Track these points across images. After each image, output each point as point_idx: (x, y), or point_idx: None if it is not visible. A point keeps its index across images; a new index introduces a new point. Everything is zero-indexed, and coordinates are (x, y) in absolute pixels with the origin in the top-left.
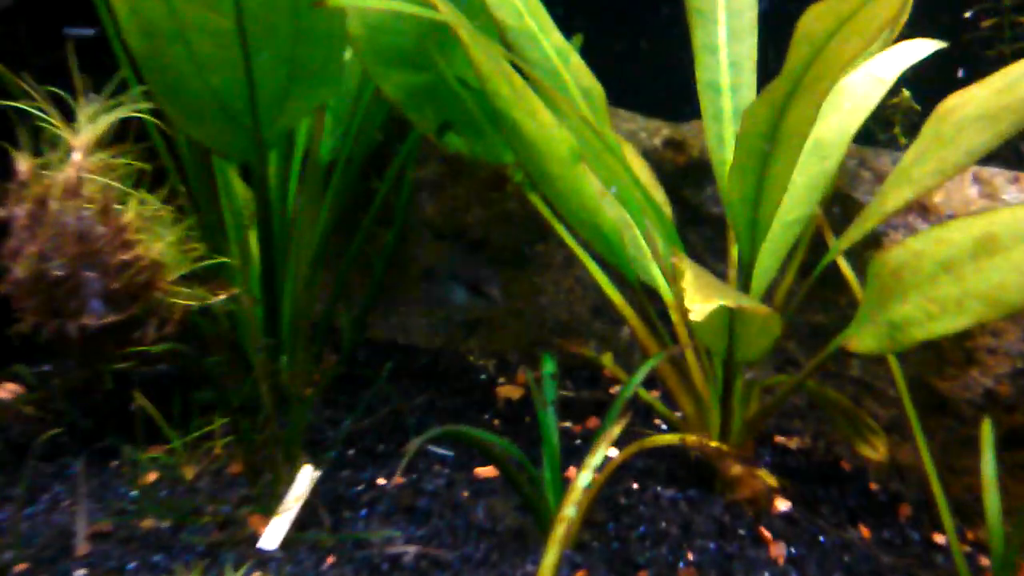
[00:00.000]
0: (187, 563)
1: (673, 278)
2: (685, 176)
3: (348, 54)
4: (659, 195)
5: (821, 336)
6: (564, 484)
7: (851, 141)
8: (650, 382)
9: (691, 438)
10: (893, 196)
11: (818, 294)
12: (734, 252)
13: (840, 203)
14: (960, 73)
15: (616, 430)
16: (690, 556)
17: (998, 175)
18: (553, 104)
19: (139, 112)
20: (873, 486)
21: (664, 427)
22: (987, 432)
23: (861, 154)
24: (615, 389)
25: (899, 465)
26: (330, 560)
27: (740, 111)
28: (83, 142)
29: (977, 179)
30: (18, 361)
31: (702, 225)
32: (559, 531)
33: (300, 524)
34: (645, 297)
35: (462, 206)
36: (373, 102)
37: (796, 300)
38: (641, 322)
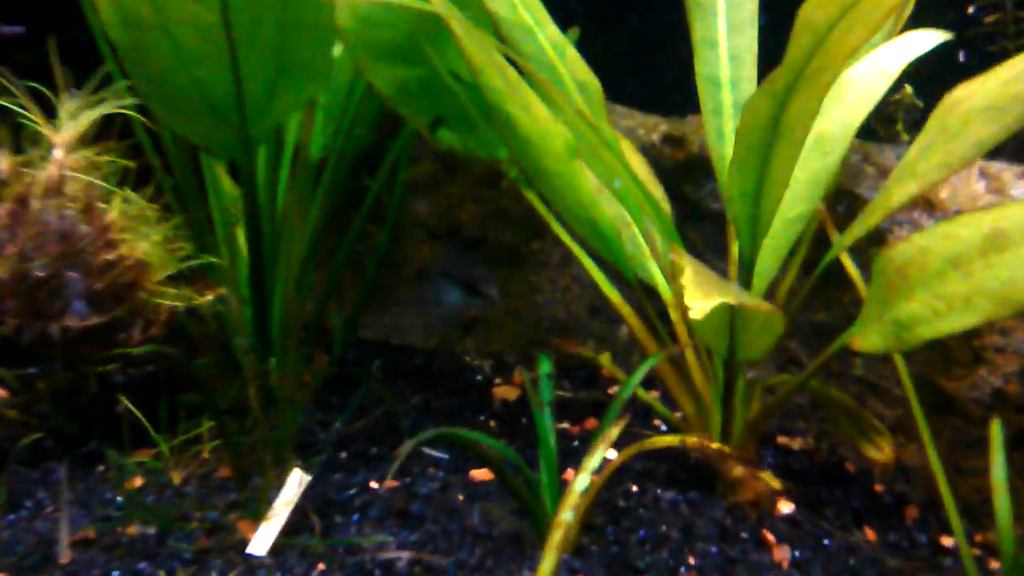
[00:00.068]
0: (173, 570)
1: (672, 276)
2: (684, 172)
3: (339, 49)
4: (657, 191)
5: (824, 335)
6: (562, 487)
7: (854, 135)
8: (649, 382)
9: (692, 439)
10: (898, 191)
11: (821, 292)
12: (735, 249)
13: (843, 199)
14: (963, 65)
15: (614, 431)
16: (691, 560)
17: (1006, 170)
18: (548, 98)
19: (123, 108)
20: (878, 487)
21: (664, 428)
22: (996, 432)
23: (864, 149)
24: (613, 389)
25: (904, 466)
26: (321, 567)
27: (740, 105)
28: (65, 139)
29: (984, 174)
30: (0, 364)
31: (702, 222)
32: (556, 536)
33: (290, 529)
34: (644, 296)
35: (456, 203)
36: (365, 98)
37: (799, 298)
38: (640, 321)
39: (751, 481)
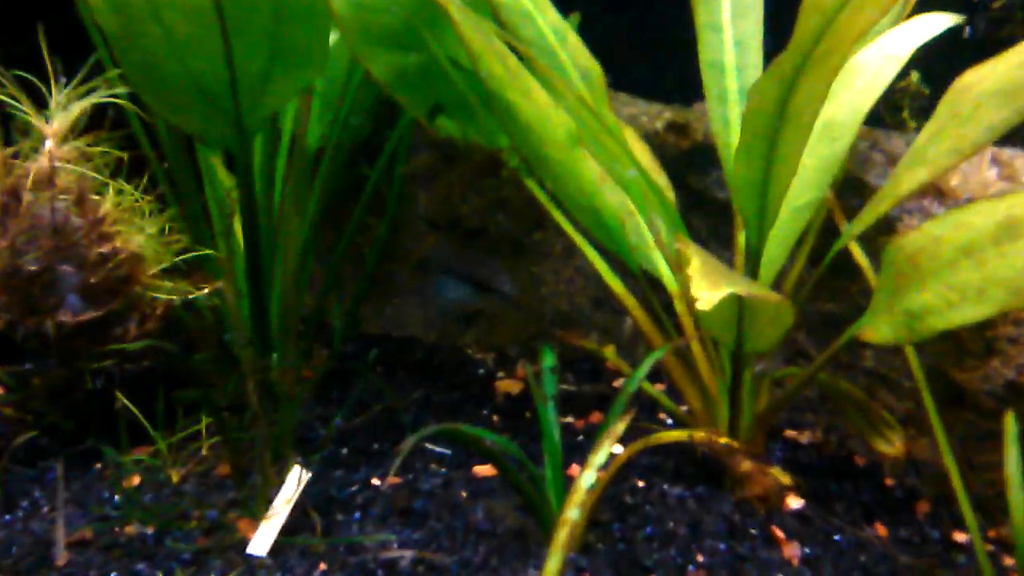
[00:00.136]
0: (172, 571)
1: (678, 266)
2: (689, 161)
3: (335, 36)
4: (661, 179)
5: (832, 326)
6: (566, 482)
7: (863, 121)
8: (654, 375)
9: (699, 434)
10: (908, 178)
11: (828, 282)
12: (741, 239)
13: (851, 187)
14: (970, 52)
15: (620, 427)
16: (700, 558)
17: (1018, 156)
18: (550, 85)
19: (115, 97)
20: (888, 482)
21: (670, 422)
22: (1010, 426)
23: (872, 136)
24: (618, 382)
25: (915, 460)
26: (322, 566)
27: (746, 91)
28: (56, 129)
29: (996, 161)
30: None
31: (707, 211)
32: (562, 535)
33: (290, 528)
34: (648, 287)
35: (456, 194)
36: (362, 86)
37: (807, 288)
38: (644, 313)
39: (759, 476)
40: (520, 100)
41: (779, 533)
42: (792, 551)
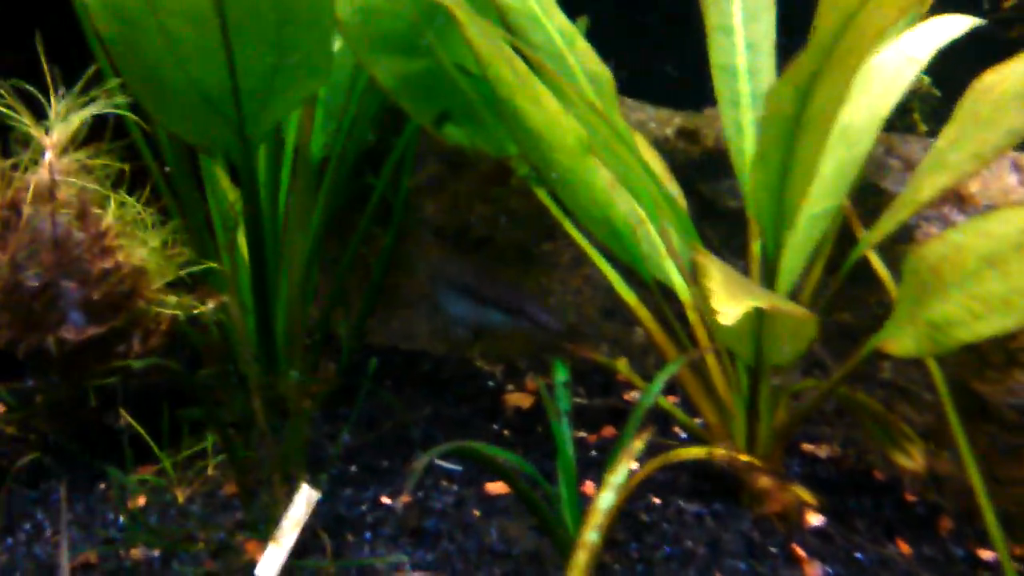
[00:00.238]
0: None
1: (692, 276)
2: (700, 168)
3: (338, 43)
4: (673, 187)
5: (849, 337)
6: (581, 500)
7: (882, 126)
8: (667, 387)
9: (719, 451)
10: (928, 183)
11: (845, 291)
12: (755, 247)
13: (867, 193)
14: (981, 53)
15: (638, 444)
16: None
17: None
18: (559, 91)
19: (116, 107)
20: (909, 497)
21: (684, 435)
22: None
23: (888, 140)
24: (630, 395)
25: (936, 475)
26: None
27: (759, 96)
28: (56, 141)
29: (1016, 166)
30: None
31: (718, 219)
32: (581, 559)
33: (300, 550)
34: (661, 297)
35: (463, 203)
36: (367, 93)
37: (825, 299)
38: (657, 324)
39: (778, 492)
40: (529, 106)
41: (800, 552)
42: (814, 571)
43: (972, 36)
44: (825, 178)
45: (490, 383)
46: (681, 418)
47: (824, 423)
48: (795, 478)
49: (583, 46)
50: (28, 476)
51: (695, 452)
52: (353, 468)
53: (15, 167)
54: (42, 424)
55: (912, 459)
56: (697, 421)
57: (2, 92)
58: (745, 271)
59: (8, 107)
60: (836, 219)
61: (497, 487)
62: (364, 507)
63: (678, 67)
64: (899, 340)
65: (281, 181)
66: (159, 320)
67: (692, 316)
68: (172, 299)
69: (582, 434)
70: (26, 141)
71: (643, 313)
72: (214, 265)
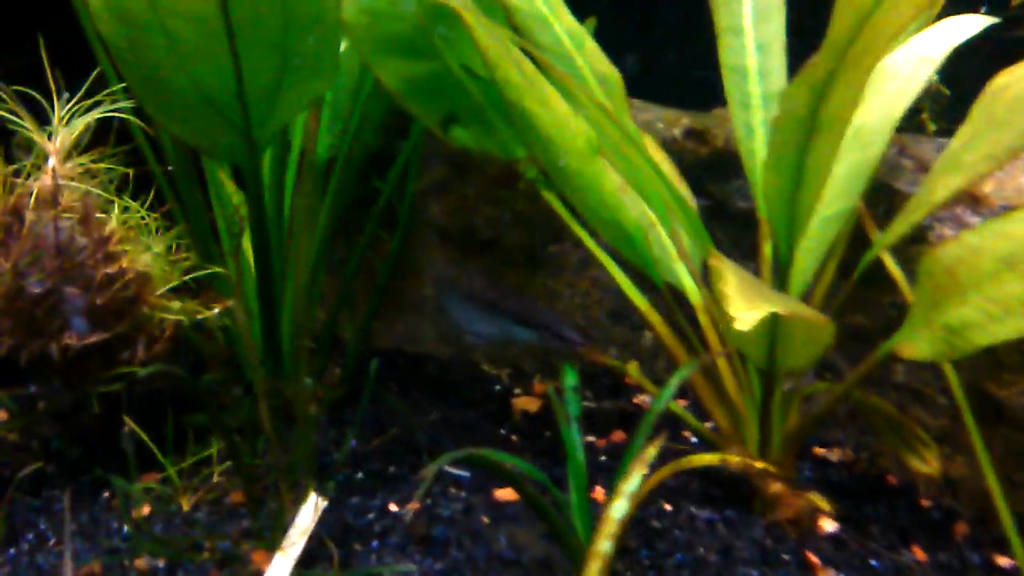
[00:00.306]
0: None
1: (703, 279)
2: (708, 169)
3: (344, 45)
4: (683, 189)
5: (862, 340)
6: (591, 506)
7: (895, 127)
8: (678, 390)
9: (733, 458)
10: (942, 184)
11: (858, 293)
12: (767, 250)
13: (880, 194)
14: (990, 52)
15: (651, 451)
16: None
17: None
18: (568, 92)
19: (119, 111)
20: (924, 502)
21: (694, 440)
22: None
23: (900, 141)
24: (639, 399)
25: (951, 479)
26: None
27: (769, 97)
28: (59, 146)
29: None
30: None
31: (728, 221)
32: (593, 568)
33: (307, 559)
34: (672, 300)
35: (470, 206)
36: (372, 96)
37: (838, 301)
38: (667, 327)
39: (791, 498)
40: (538, 109)
41: (814, 559)
42: None
43: (979, 35)
44: (839, 180)
45: (497, 387)
46: (692, 422)
47: (836, 426)
48: (807, 483)
49: (592, 47)
50: (31, 484)
51: (708, 459)
52: (360, 475)
53: (18, 173)
54: (45, 431)
55: (927, 463)
56: (708, 425)
57: (4, 97)
58: (755, 273)
59: (10, 112)
60: (849, 221)
61: (506, 493)
62: (371, 515)
63: (684, 67)
64: (914, 344)
65: (286, 184)
66: (163, 326)
67: (703, 319)
68: (176, 304)
69: (591, 438)
70: (29, 146)
71: (653, 317)
72: (219, 270)
